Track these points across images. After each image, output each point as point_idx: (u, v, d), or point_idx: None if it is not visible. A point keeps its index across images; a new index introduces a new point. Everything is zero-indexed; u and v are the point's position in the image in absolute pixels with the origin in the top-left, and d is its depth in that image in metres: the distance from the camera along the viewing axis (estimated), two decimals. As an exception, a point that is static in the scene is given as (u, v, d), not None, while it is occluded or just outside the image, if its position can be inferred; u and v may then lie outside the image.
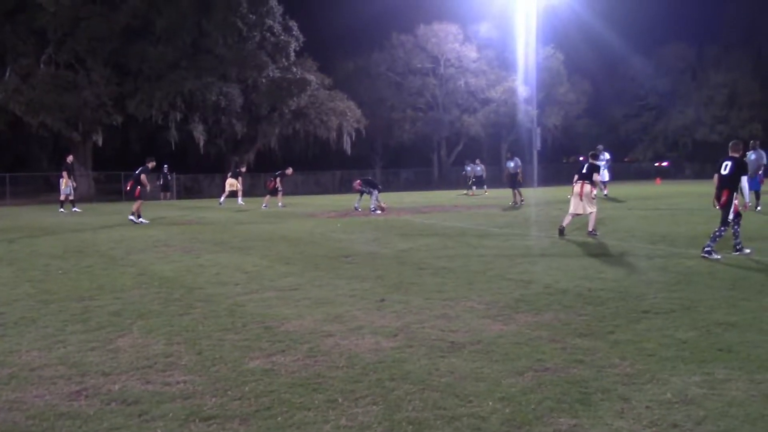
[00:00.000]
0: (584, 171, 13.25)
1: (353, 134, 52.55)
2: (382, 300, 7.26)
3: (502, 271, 9.07)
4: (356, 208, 22.09)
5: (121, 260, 11.09)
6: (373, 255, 11.12)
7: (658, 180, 56.08)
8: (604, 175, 27.15)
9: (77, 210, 25.69)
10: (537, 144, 52.10)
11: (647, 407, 3.94)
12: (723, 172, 10.24)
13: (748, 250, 10.26)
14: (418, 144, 62.54)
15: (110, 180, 43.87)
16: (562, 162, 77.30)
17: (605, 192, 26.62)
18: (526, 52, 54.12)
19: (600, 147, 28.21)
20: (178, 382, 4.60)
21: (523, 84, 56.90)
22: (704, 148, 67.88)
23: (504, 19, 57.19)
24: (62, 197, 25.80)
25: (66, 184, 25.40)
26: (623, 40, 63.88)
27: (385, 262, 10.26)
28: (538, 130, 53.47)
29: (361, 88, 58.13)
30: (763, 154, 18.03)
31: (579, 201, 13.09)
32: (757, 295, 7.06)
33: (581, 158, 72.79)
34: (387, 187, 41.91)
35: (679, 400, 4.04)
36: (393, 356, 5.12)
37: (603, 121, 72.35)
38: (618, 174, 69.00)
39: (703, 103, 67.86)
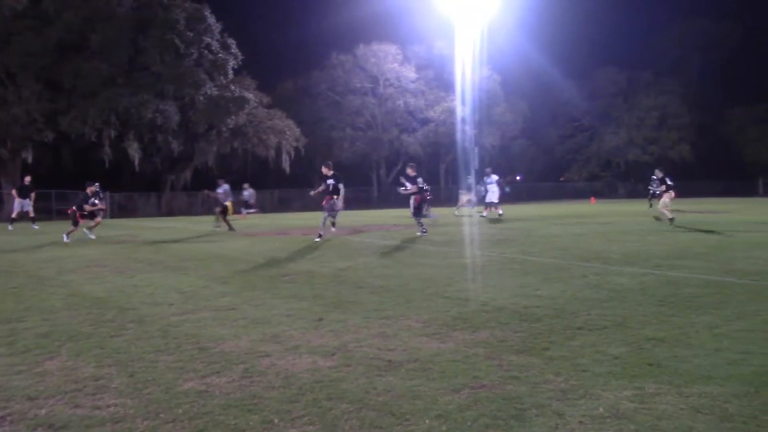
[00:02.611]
0: None
1: (292, 153, 52.45)
2: (320, 319, 7.20)
3: (439, 289, 9.11)
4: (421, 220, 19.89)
5: (50, 280, 10.75)
6: (311, 274, 11.05)
7: (592, 199, 57.49)
8: (493, 195, 28.20)
9: (35, 227, 26.70)
10: (475, 163, 52.93)
11: (580, 422, 3.99)
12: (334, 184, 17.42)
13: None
14: (357, 163, 62.75)
15: (41, 198, 42.47)
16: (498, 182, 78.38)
17: (499, 212, 27.70)
18: (464, 73, 54.97)
19: (488, 170, 29.66)
20: (108, 406, 4.46)
21: (461, 104, 57.73)
22: (636, 168, 70.04)
23: (443, 40, 58.18)
24: (13, 214, 26.88)
25: (17, 203, 26.64)
26: (558, 64, 65.79)
27: (323, 280, 10.20)
28: (476, 150, 54.29)
29: (301, 107, 58.18)
30: None
31: None
32: (685, 310, 7.25)
33: (518, 177, 74.31)
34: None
35: (611, 415, 4.10)
36: (330, 375, 5.07)
37: (539, 142, 74.02)
38: (554, 193, 70.68)
39: (634, 125, 70.18)
